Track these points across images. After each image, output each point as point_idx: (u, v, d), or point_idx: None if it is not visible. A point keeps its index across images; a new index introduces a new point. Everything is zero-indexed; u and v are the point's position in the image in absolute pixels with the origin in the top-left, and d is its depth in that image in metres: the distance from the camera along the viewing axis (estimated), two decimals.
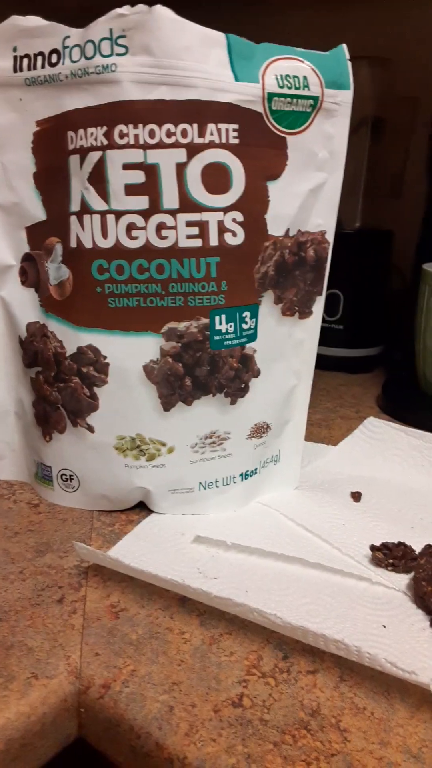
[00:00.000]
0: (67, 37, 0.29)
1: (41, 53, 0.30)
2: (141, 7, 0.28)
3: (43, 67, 0.30)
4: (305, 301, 0.35)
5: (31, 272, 0.33)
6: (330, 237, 0.34)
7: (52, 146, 0.31)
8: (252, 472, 0.36)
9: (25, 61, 0.30)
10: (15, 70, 0.30)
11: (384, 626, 0.28)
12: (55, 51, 0.29)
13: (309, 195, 0.33)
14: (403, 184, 0.65)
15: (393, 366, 0.61)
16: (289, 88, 0.30)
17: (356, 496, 0.38)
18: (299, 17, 0.67)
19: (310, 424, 0.48)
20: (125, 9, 0.28)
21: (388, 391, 0.54)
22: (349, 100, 0.32)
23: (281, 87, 0.30)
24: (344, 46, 0.32)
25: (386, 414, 0.51)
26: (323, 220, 0.34)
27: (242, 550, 0.32)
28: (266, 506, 0.37)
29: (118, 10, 0.28)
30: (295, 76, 0.30)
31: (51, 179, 0.31)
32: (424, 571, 0.30)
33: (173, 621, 0.28)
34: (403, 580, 0.31)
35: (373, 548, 0.32)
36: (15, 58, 0.30)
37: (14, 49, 0.30)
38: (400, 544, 0.32)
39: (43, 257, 0.33)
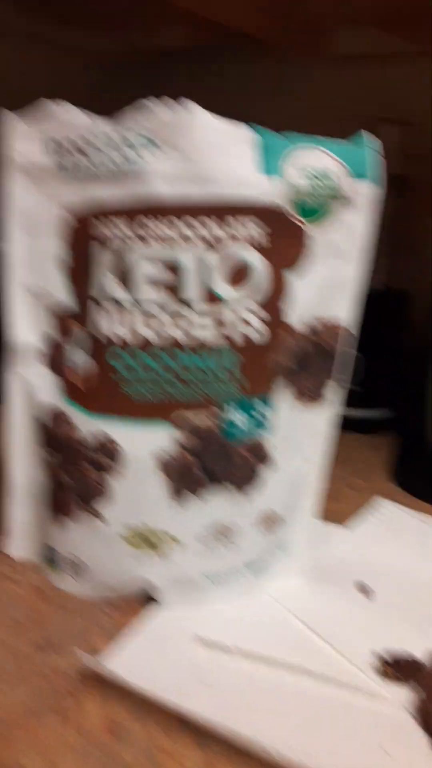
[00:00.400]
0: (98, 127, 0.29)
1: (73, 142, 0.30)
2: (172, 104, 0.28)
3: (74, 156, 0.30)
4: (321, 389, 0.34)
5: (51, 354, 0.33)
6: (349, 326, 0.33)
7: (78, 232, 0.31)
8: (259, 562, 0.35)
9: (55, 146, 0.30)
10: (46, 157, 0.31)
11: (386, 752, 0.26)
12: (85, 140, 0.30)
13: (329, 284, 0.32)
14: (425, 244, 0.64)
15: (408, 428, 0.60)
16: (312, 181, 0.30)
17: (365, 590, 0.36)
18: (321, 75, 0.68)
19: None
20: (158, 107, 0.28)
21: (402, 459, 0.53)
22: (375, 192, 0.32)
23: (304, 180, 0.30)
24: (369, 134, 0.32)
25: (398, 485, 0.49)
26: (342, 308, 0.33)
27: (245, 654, 0.31)
28: (272, 598, 0.35)
29: (150, 106, 0.28)
30: (318, 169, 0.30)
31: (77, 265, 0.31)
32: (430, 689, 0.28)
33: (169, 740, 0.26)
34: (408, 694, 0.29)
35: (379, 658, 0.30)
36: (45, 142, 0.31)
37: (45, 134, 0.31)
38: (408, 656, 0.30)
39: (64, 341, 0.32)
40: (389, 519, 0.43)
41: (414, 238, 0.62)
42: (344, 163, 0.30)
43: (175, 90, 0.80)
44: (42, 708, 0.27)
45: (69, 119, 0.30)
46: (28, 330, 0.33)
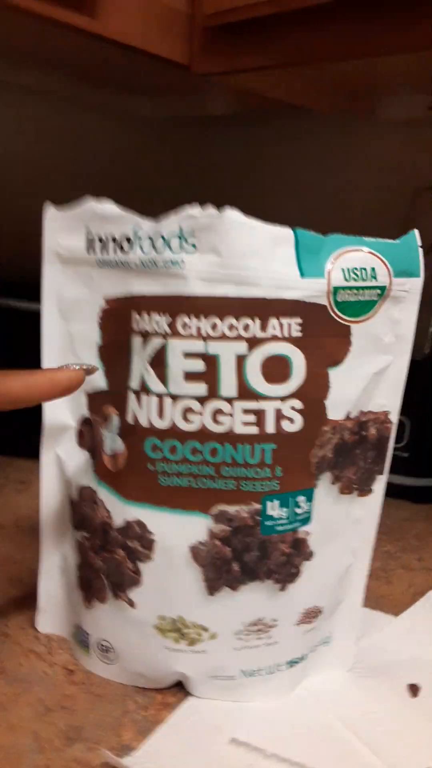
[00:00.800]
0: (139, 227, 0.30)
1: (114, 238, 0.31)
2: (211, 211, 0.28)
3: (114, 252, 0.31)
4: (365, 480, 0.33)
5: (87, 436, 0.34)
6: (394, 417, 0.33)
7: (117, 324, 0.31)
8: (300, 658, 0.34)
9: (98, 243, 0.31)
10: (87, 251, 0.32)
11: None
12: (126, 238, 0.30)
13: (373, 378, 0.32)
14: None
15: None
16: (356, 280, 0.30)
17: (414, 690, 0.34)
18: (366, 141, 0.69)
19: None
20: (197, 211, 0.28)
21: None
22: (419, 286, 0.31)
23: (347, 280, 0.30)
24: (416, 232, 0.31)
25: None
26: (387, 400, 0.33)
27: (282, 761, 0.30)
28: (314, 696, 0.34)
29: (190, 211, 0.28)
30: (362, 268, 0.30)
31: (114, 354, 0.32)
32: None
33: None
34: None
35: None
36: (88, 239, 0.32)
37: (88, 232, 0.32)
38: None
39: (100, 424, 0.33)
40: None
41: None
42: (390, 262, 0.30)
43: (218, 155, 0.82)
44: None
45: (111, 217, 0.31)
46: (65, 410, 0.34)
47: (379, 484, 0.34)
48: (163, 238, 0.29)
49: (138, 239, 0.30)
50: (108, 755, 0.28)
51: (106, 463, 0.32)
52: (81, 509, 0.33)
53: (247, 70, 0.45)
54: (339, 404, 0.31)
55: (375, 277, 0.30)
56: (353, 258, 0.30)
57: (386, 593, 0.43)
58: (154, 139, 0.79)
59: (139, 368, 0.31)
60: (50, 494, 0.35)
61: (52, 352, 0.33)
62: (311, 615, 0.34)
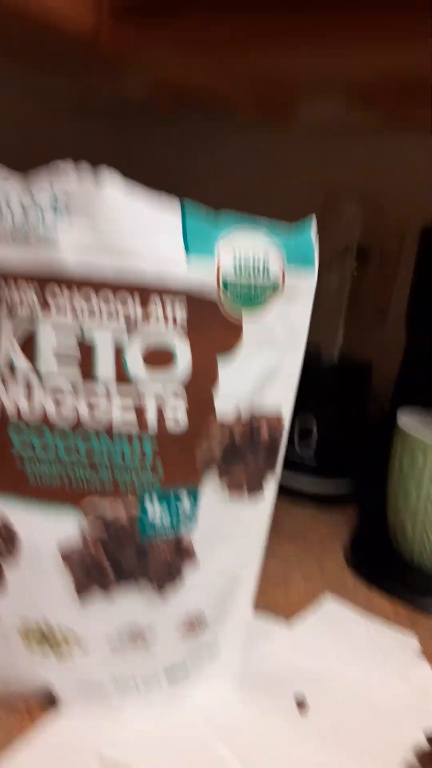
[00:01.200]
0: (9, 191, 0.27)
1: None
2: (88, 181, 0.26)
3: None
4: (256, 479, 0.31)
5: None
6: (286, 417, 0.31)
7: None
8: (180, 668, 0.32)
9: None
10: None
11: None
12: None
13: (264, 374, 0.30)
14: (387, 315, 0.63)
15: (366, 505, 0.57)
16: (247, 273, 0.28)
17: (301, 706, 0.33)
18: (285, 145, 0.68)
19: (265, 578, 0.42)
20: (72, 179, 0.26)
21: (358, 544, 0.49)
22: (313, 281, 0.30)
23: (237, 273, 0.27)
24: (313, 219, 0.30)
25: (352, 569, 0.46)
26: (279, 399, 0.31)
27: None
28: (194, 711, 0.32)
29: (64, 179, 0.26)
30: (254, 259, 0.28)
31: None
32: None
33: None
34: None
35: None
36: None
37: None
38: None
39: None
40: (335, 619, 0.40)
41: (375, 309, 0.62)
42: (282, 250, 0.28)
43: (132, 143, 0.80)
44: None
45: None
46: None
47: (271, 485, 0.32)
48: (35, 203, 0.26)
49: (4, 198, 0.27)
50: None
51: None
52: None
53: (155, 48, 0.43)
54: (228, 399, 0.29)
55: (267, 271, 0.28)
56: (245, 242, 0.28)
57: (283, 601, 0.41)
58: (66, 120, 0.76)
59: (5, 344, 0.28)
60: None
61: None
62: (194, 623, 0.31)
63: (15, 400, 0.27)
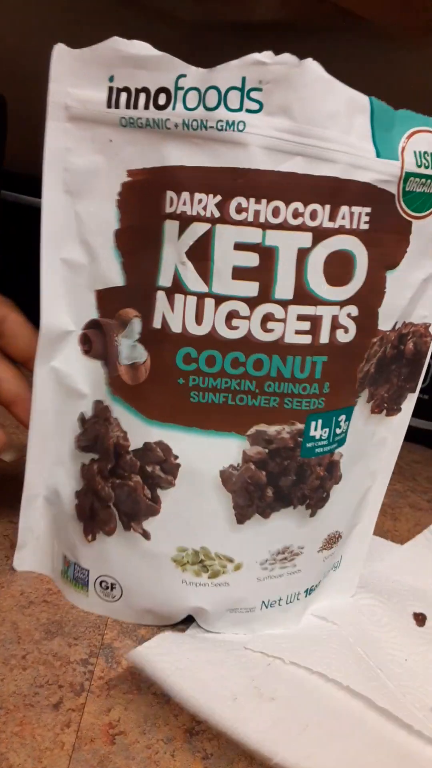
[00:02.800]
0: (183, 76, 0.24)
1: (146, 90, 0.24)
2: (287, 57, 0.22)
3: (146, 107, 0.24)
4: (396, 398, 0.31)
5: (97, 342, 0.28)
6: None
7: (144, 203, 0.25)
8: (316, 585, 0.32)
9: (124, 96, 0.24)
10: (109, 105, 0.25)
11: None
12: (164, 90, 0.24)
13: (421, 285, 0.29)
14: None
15: None
16: (427, 167, 0.26)
17: (420, 620, 0.34)
18: (420, 58, 0.62)
19: None
20: (266, 56, 0.22)
21: None
22: None
23: (419, 166, 0.26)
24: None
25: None
26: (429, 311, 0.30)
27: (301, 669, 0.28)
28: (321, 619, 0.33)
29: (257, 56, 0.22)
30: None
31: (137, 242, 0.26)
32: None
33: (174, 760, 0.24)
34: None
35: None
36: (111, 89, 0.25)
37: (111, 79, 0.24)
38: None
39: (115, 329, 0.27)
40: None
41: None
42: None
43: None
44: (42, 701, 0.25)
45: (145, 60, 0.24)
46: (63, 313, 0.28)
47: (409, 403, 0.31)
48: (216, 89, 0.23)
49: (180, 91, 0.23)
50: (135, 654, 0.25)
51: (123, 375, 0.27)
52: (93, 428, 0.28)
53: None
54: (389, 313, 0.28)
55: None
56: (425, 140, 0.26)
57: (391, 528, 0.42)
58: (186, 42, 0.67)
59: (172, 261, 0.25)
60: (42, 414, 0.29)
61: (53, 238, 0.27)
62: (333, 540, 0.32)
63: (183, 321, 0.25)
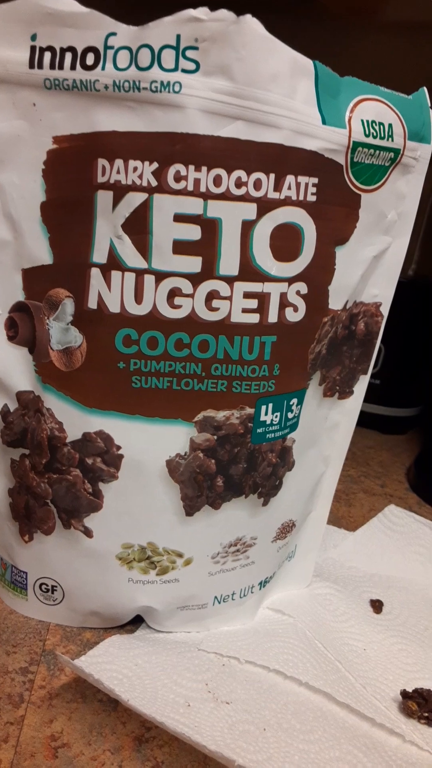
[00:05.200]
0: (113, 34, 0.22)
1: (72, 49, 0.22)
2: (225, 13, 0.21)
3: (72, 68, 0.22)
4: (348, 380, 0.30)
5: (23, 326, 0.26)
6: (385, 310, 0.29)
7: (73, 173, 0.23)
8: (270, 577, 0.31)
9: (47, 55, 0.22)
10: (31, 65, 0.22)
11: None
12: (92, 49, 0.22)
13: (371, 262, 0.28)
14: None
15: (430, 431, 0.56)
16: (375, 137, 0.25)
17: (377, 606, 0.33)
18: (374, 41, 0.61)
19: None
20: (202, 12, 0.21)
21: (421, 465, 0.49)
22: (428, 155, 0.27)
23: (367, 135, 0.25)
24: (425, 90, 0.27)
25: (415, 492, 0.46)
26: (380, 290, 0.29)
27: (257, 667, 0.27)
28: (277, 612, 0.31)
29: (192, 12, 0.21)
30: (381, 123, 0.25)
31: (66, 215, 0.24)
32: None
33: None
34: None
35: (404, 695, 0.27)
36: (33, 49, 0.22)
37: (33, 38, 0.22)
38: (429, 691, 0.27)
39: (44, 311, 0.25)
40: (400, 527, 0.41)
41: None
42: (405, 121, 0.25)
43: None
44: None
45: (71, 17, 0.22)
46: None
47: (361, 386, 0.30)
48: (149, 48, 0.21)
49: (110, 50, 0.22)
50: (61, 656, 0.23)
51: (55, 362, 0.25)
52: (21, 421, 0.26)
53: None
54: (340, 291, 0.27)
55: (392, 137, 0.25)
56: (372, 110, 0.25)
57: (346, 514, 0.41)
58: (133, 18, 0.64)
59: (107, 235, 0.23)
60: None
61: None
62: (286, 529, 0.30)
63: (122, 300, 0.23)
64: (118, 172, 0.22)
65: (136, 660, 0.25)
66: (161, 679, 0.25)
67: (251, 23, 0.21)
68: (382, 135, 0.25)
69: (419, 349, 0.55)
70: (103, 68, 0.22)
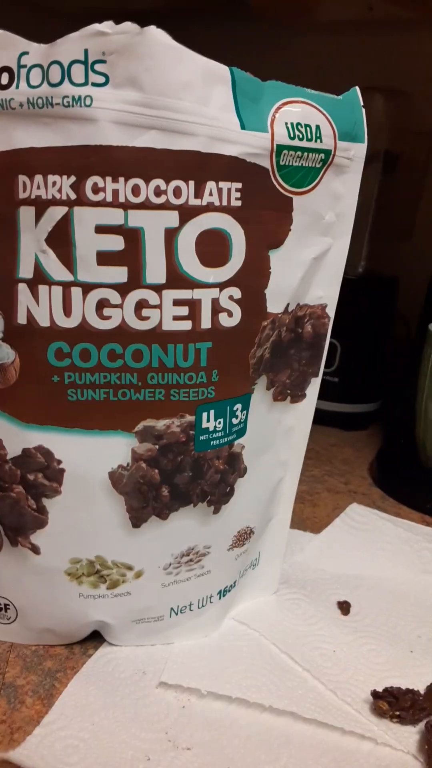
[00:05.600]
0: (25, 53, 0.22)
1: None
2: (129, 25, 0.21)
3: None
4: (299, 384, 0.30)
5: None
6: (331, 311, 0.29)
7: None
8: (231, 586, 0.30)
9: None
10: None
11: None
12: (6, 69, 0.22)
13: (312, 264, 0.28)
14: (415, 226, 0.59)
15: (391, 425, 0.56)
16: (301, 139, 0.25)
17: (344, 608, 0.33)
18: (309, 42, 0.62)
19: None
20: (107, 26, 0.21)
21: (383, 461, 0.49)
22: (363, 154, 0.27)
23: (292, 138, 0.25)
24: (357, 89, 0.27)
25: (379, 488, 0.46)
26: (324, 291, 0.29)
27: (220, 698, 0.26)
28: (243, 624, 0.31)
29: (98, 26, 0.21)
30: (307, 125, 0.25)
31: None
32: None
33: None
34: (411, 735, 0.26)
35: (375, 695, 0.27)
36: None
37: None
38: (408, 691, 0.27)
39: None
40: (364, 525, 0.40)
41: (403, 220, 0.58)
42: (335, 121, 0.25)
43: None
44: None
45: None
46: None
47: (313, 388, 0.30)
48: (59, 64, 0.21)
49: (23, 69, 0.22)
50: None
51: None
52: None
53: None
54: (278, 294, 0.26)
55: (320, 138, 0.25)
56: (298, 112, 0.25)
57: (311, 515, 0.41)
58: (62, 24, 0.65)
59: (32, 250, 0.23)
60: None
61: None
62: (243, 537, 0.30)
63: (51, 314, 0.23)
64: (38, 187, 0.22)
65: (92, 718, 0.25)
66: (119, 734, 0.24)
67: (155, 34, 0.21)
68: (309, 137, 0.25)
69: (374, 345, 0.55)
70: (17, 87, 0.22)
